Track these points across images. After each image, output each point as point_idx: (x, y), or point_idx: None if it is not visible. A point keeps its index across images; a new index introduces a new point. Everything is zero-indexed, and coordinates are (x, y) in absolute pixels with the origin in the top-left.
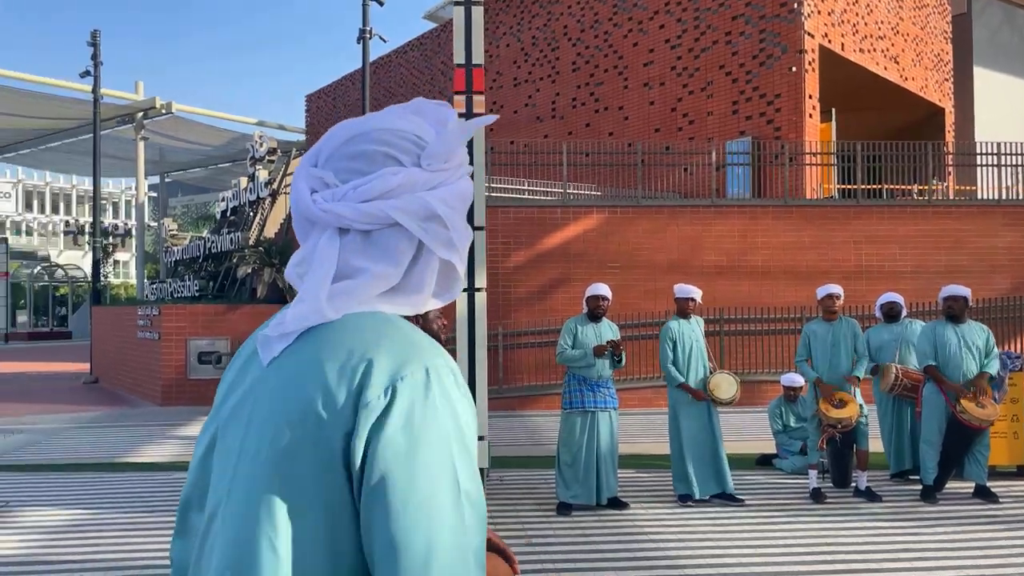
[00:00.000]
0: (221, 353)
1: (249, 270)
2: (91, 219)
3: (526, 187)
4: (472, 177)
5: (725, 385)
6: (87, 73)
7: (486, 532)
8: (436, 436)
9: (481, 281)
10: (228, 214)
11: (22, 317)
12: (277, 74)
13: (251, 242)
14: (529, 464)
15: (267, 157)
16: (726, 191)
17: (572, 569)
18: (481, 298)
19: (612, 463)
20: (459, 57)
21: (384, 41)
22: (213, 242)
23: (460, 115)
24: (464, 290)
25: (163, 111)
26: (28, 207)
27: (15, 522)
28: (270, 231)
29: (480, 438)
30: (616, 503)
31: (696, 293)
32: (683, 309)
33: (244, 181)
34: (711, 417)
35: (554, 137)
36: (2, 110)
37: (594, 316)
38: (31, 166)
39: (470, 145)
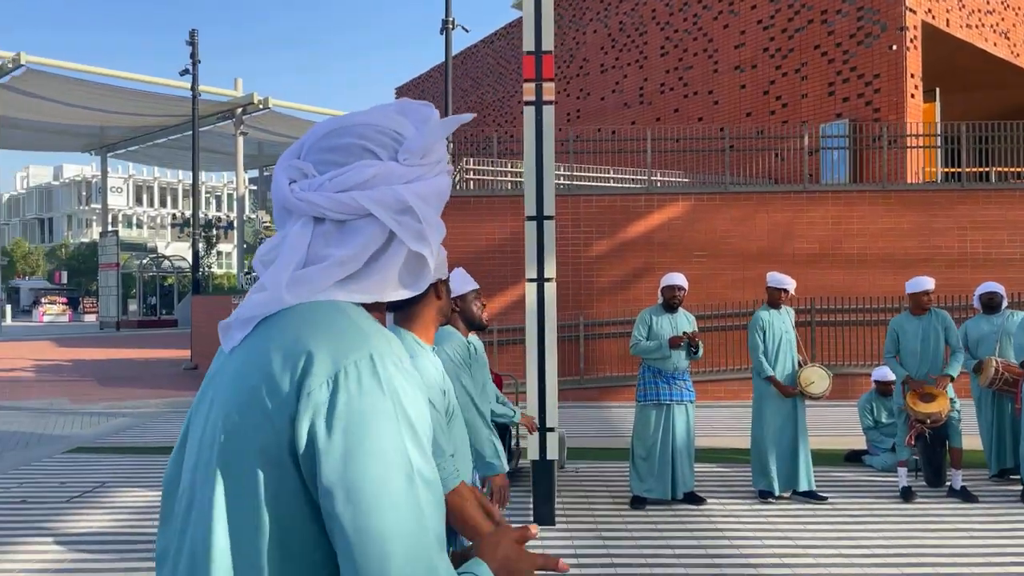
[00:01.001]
0: None
1: None
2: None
3: (611, 175)
4: (449, 174)
5: (817, 379)
6: (186, 71)
7: (444, 511)
8: (382, 422)
9: (550, 271)
10: None
11: (133, 306)
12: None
13: None
14: (605, 456)
15: None
16: (820, 176)
17: (642, 564)
18: (550, 288)
19: (688, 457)
20: (528, 44)
21: (466, 31)
22: None
23: (528, 104)
24: (532, 280)
25: (260, 106)
26: (139, 201)
27: (107, 501)
28: None
29: (550, 429)
30: (692, 498)
31: (790, 284)
32: (774, 299)
33: None
34: (796, 411)
35: (641, 124)
36: (114, 109)
37: (670, 306)
38: (141, 162)
39: (540, 136)
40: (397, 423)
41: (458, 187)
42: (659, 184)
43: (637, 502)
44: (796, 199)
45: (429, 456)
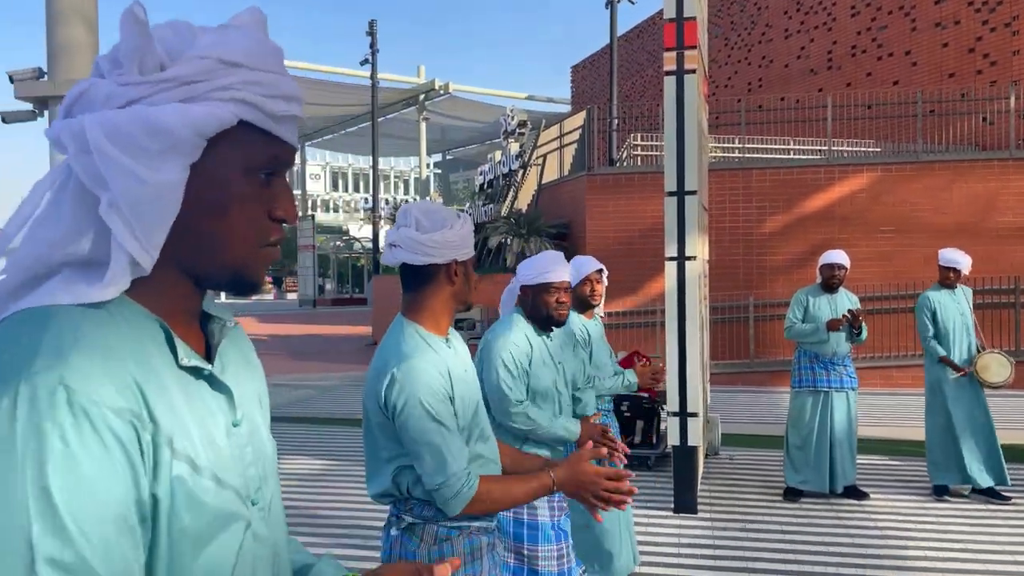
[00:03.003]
0: (474, 320)
1: (500, 241)
2: (385, 196)
3: (791, 146)
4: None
5: (995, 366)
6: (365, 61)
7: None
8: (7, 492)
9: (692, 249)
10: (485, 187)
11: (328, 285)
12: (547, 48)
13: (503, 213)
14: (764, 444)
15: (518, 130)
16: None
17: (785, 560)
18: (692, 267)
19: (849, 448)
20: (670, 11)
21: (632, 3)
22: (470, 214)
23: (668, 74)
24: (672, 259)
25: (441, 92)
26: (334, 187)
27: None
28: (523, 202)
29: (691, 414)
30: (853, 492)
31: (963, 263)
32: (945, 278)
33: (498, 155)
34: (978, 399)
35: (829, 90)
36: (310, 100)
37: (829, 286)
38: (336, 150)
39: (681, 107)
40: (29, 494)
41: (626, 163)
42: (846, 155)
43: (791, 494)
44: (1001, 167)
45: (78, 534)
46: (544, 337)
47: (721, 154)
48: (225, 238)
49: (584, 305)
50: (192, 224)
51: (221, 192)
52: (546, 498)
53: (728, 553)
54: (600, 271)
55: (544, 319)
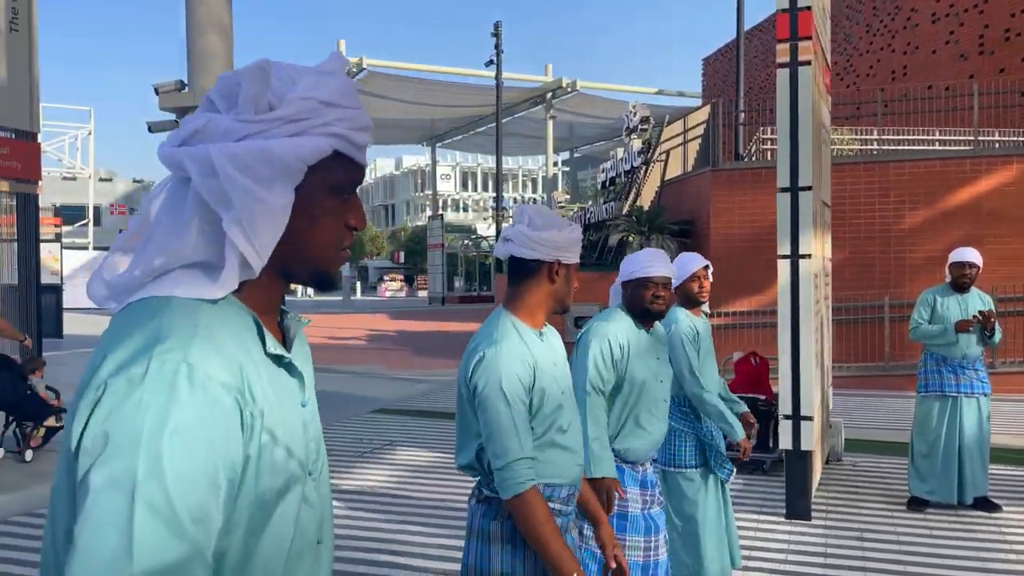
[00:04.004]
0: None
1: (620, 238)
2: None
3: (936, 136)
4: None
5: None
6: (490, 62)
7: (183, 556)
8: (124, 440)
9: (807, 247)
10: (607, 184)
11: (457, 283)
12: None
13: (624, 211)
14: (892, 450)
15: (640, 126)
16: None
17: (901, 572)
18: (806, 266)
19: (980, 457)
20: (783, 1)
21: None
22: (592, 212)
23: (781, 66)
24: (784, 257)
25: (569, 89)
26: (464, 186)
27: (391, 459)
28: (645, 199)
29: (805, 418)
30: (984, 504)
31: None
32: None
33: (620, 151)
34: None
35: (981, 78)
36: (440, 102)
37: (959, 286)
38: (466, 150)
39: (795, 100)
40: (138, 445)
41: (754, 158)
42: (997, 145)
43: (915, 503)
44: None
45: (174, 486)
46: (643, 331)
47: (858, 146)
48: (315, 244)
49: (692, 302)
50: (290, 234)
51: (314, 208)
52: (638, 489)
53: (839, 562)
54: (706, 267)
55: (642, 312)
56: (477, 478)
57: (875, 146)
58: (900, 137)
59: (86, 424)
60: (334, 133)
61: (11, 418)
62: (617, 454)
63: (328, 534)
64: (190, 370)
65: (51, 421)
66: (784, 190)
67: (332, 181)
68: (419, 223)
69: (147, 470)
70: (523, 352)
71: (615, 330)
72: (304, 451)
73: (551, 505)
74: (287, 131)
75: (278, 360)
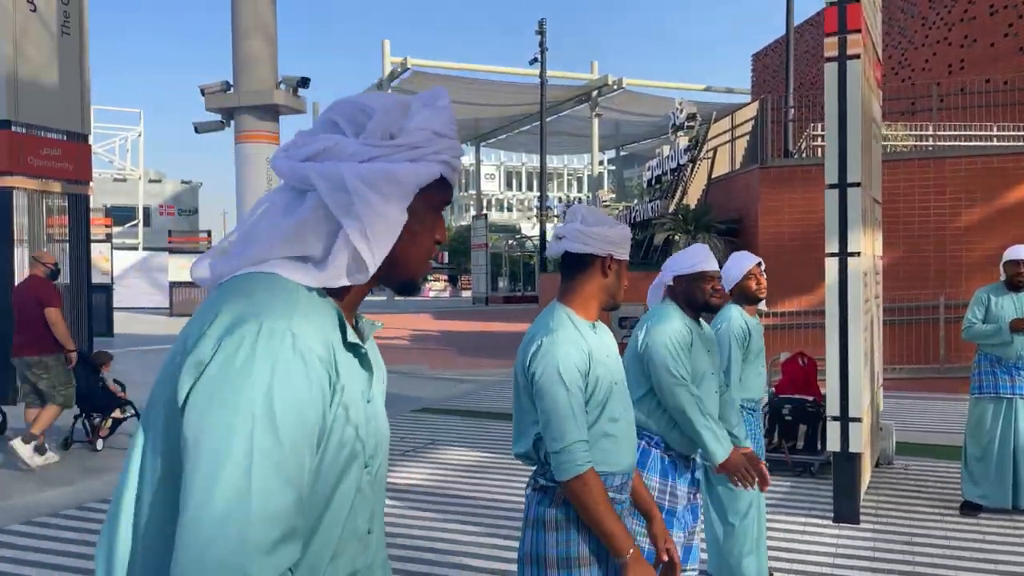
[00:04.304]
0: (638, 318)
1: (665, 237)
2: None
3: (994, 132)
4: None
5: None
6: (535, 60)
7: (291, 501)
8: (241, 394)
9: (856, 245)
10: (653, 182)
11: (501, 283)
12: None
13: (670, 209)
14: (945, 454)
15: (687, 123)
16: None
17: None
18: (855, 264)
19: None
20: None
21: None
22: (637, 211)
23: (829, 60)
24: (832, 255)
25: (614, 87)
26: (508, 186)
27: (434, 458)
28: (692, 198)
29: (853, 419)
30: None
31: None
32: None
33: (666, 149)
34: None
35: None
36: (483, 101)
37: (1014, 285)
38: (510, 149)
39: (843, 95)
40: (254, 399)
41: (804, 155)
42: None
43: (968, 508)
44: None
45: (285, 439)
46: (695, 325)
47: (913, 142)
48: (412, 255)
49: (750, 300)
50: (394, 245)
51: (416, 224)
52: (686, 483)
53: (887, 567)
54: (759, 264)
55: (703, 305)
56: (533, 467)
57: (930, 142)
58: (957, 133)
59: (198, 378)
60: (442, 160)
61: (82, 411)
62: (669, 447)
63: (379, 525)
64: (294, 339)
65: (116, 413)
66: (832, 186)
67: (432, 201)
68: (463, 223)
69: (262, 423)
70: (578, 340)
71: (675, 326)
72: (366, 439)
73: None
74: (407, 156)
75: (354, 351)
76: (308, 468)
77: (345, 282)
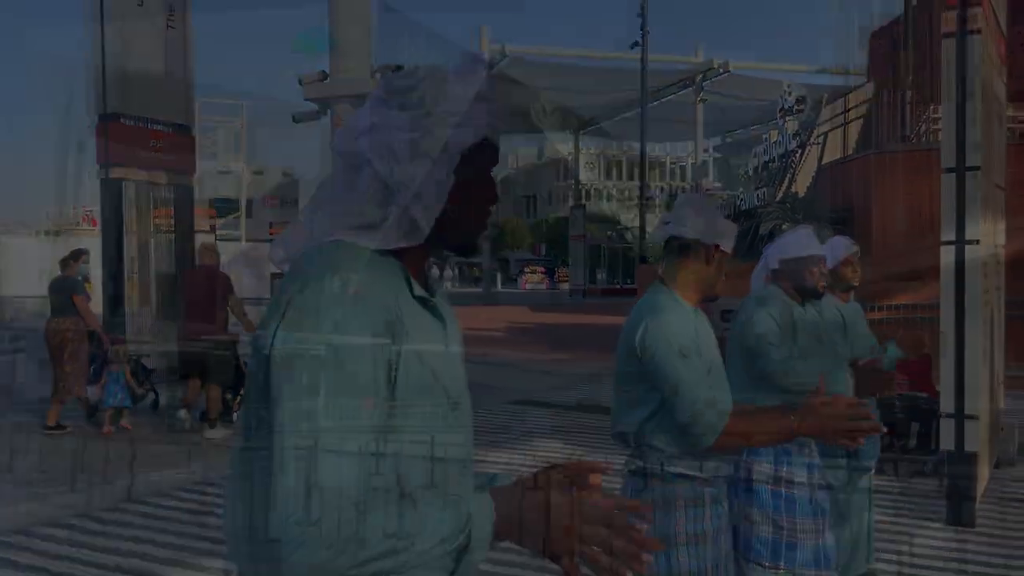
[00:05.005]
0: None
1: (772, 226)
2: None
3: None
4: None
5: None
6: (636, 44)
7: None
8: (309, 338)
9: (975, 232)
10: (759, 169)
11: (600, 275)
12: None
13: (777, 197)
14: None
15: (796, 107)
16: None
17: None
18: (973, 252)
19: None
20: None
21: None
22: (743, 199)
23: (947, 36)
24: (948, 243)
25: (720, 71)
26: (608, 175)
27: (529, 449)
28: (801, 185)
29: (970, 417)
30: None
31: None
32: None
33: (774, 135)
34: None
35: None
36: (583, 88)
37: None
38: (611, 137)
39: (962, 72)
40: (319, 346)
41: (924, 139)
42: None
43: None
44: None
45: (351, 379)
46: (800, 308)
47: None
48: (464, 217)
49: (844, 286)
50: (444, 208)
51: (466, 187)
52: (805, 471)
53: (999, 572)
54: (856, 252)
55: (810, 290)
56: (628, 452)
57: None
58: None
59: (277, 327)
60: (484, 124)
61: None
62: None
63: (469, 466)
64: (361, 287)
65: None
66: (949, 170)
67: (478, 163)
68: (561, 214)
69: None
70: (685, 317)
71: (775, 311)
72: (450, 382)
73: (700, 475)
74: (450, 123)
75: (423, 303)
76: (383, 395)
77: (403, 243)
